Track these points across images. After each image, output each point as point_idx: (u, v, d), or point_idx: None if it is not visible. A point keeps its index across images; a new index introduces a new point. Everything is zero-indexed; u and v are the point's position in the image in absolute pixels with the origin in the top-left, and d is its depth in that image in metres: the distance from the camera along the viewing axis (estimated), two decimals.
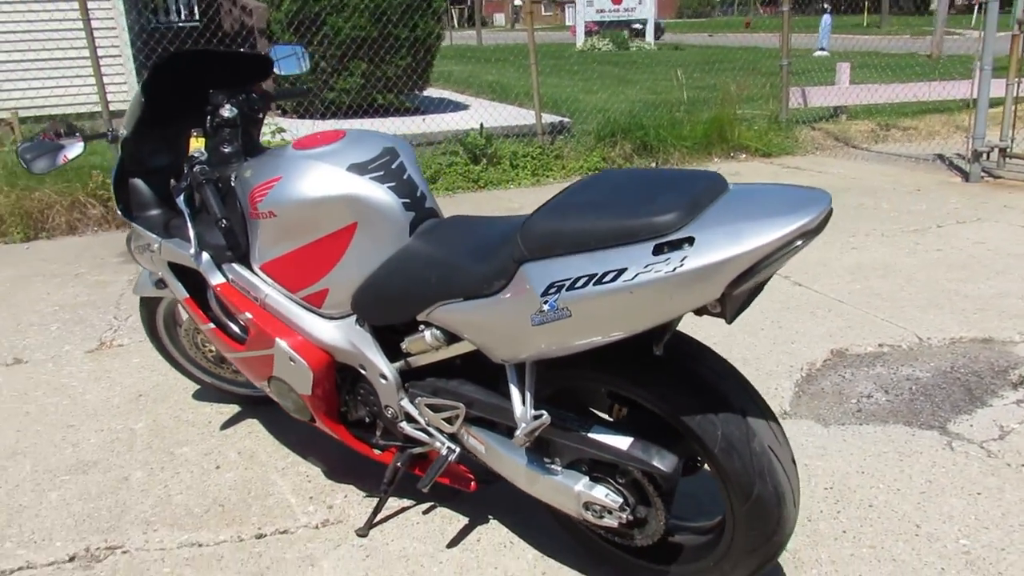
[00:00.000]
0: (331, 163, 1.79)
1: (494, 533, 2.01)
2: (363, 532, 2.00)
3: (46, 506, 2.18)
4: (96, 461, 2.39)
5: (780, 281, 3.70)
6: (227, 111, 2.06)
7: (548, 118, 7.05)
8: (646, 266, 1.30)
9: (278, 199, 1.80)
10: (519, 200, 5.47)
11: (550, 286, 1.41)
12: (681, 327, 1.53)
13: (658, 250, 1.31)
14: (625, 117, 6.77)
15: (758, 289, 1.40)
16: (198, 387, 2.77)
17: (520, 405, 1.60)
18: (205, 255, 2.01)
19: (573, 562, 1.89)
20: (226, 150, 2.04)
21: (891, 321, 3.22)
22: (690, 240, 1.29)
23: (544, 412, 1.58)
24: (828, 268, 3.87)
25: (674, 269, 1.28)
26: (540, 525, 1.96)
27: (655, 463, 1.52)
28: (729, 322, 1.38)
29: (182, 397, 2.77)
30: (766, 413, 1.53)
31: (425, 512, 2.10)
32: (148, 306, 2.50)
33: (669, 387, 1.51)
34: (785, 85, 7.31)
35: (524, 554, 1.94)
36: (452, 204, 5.38)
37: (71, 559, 1.97)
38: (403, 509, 2.12)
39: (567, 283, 1.38)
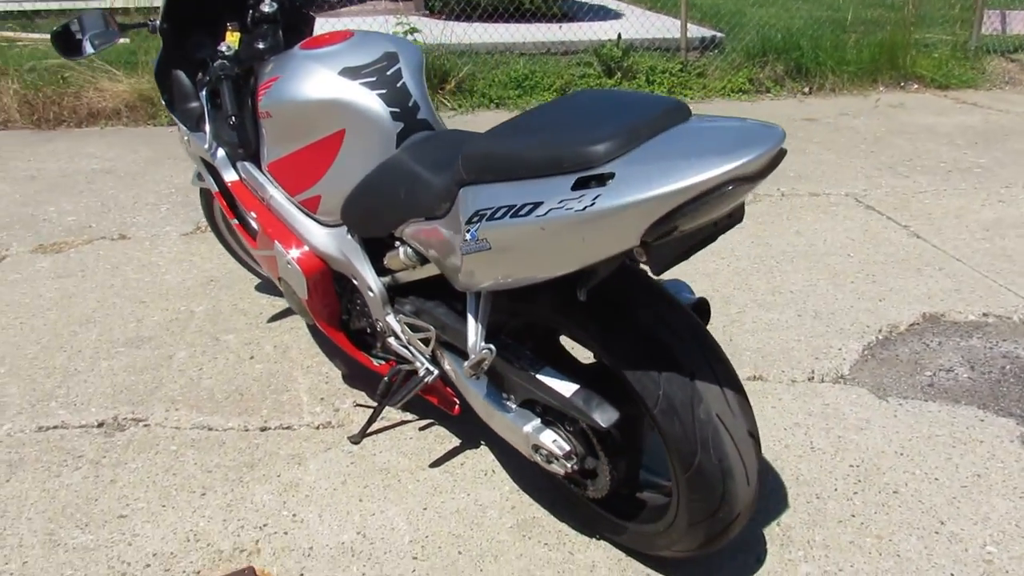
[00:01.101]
0: (325, 65, 1.74)
1: (479, 460, 1.98)
2: (356, 439, 2.03)
3: (95, 373, 2.37)
4: (151, 337, 2.57)
5: (893, 229, 3.31)
6: (267, 6, 2.04)
7: (699, 32, 6.59)
8: (560, 202, 1.17)
9: (273, 99, 1.78)
10: None
11: (474, 214, 1.30)
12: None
13: (578, 185, 1.17)
14: (783, 34, 6.19)
15: (703, 240, 1.23)
16: (259, 280, 2.89)
17: (472, 335, 1.53)
18: (221, 151, 2.04)
19: (545, 502, 1.84)
20: (260, 46, 2.02)
21: (1009, 288, 2.80)
22: (611, 176, 1.14)
23: (491, 346, 1.50)
24: (960, 221, 3.41)
25: (584, 208, 1.14)
26: (525, 460, 1.90)
27: (593, 415, 1.41)
28: (656, 274, 1.22)
29: (245, 287, 2.90)
30: (724, 379, 1.37)
31: (421, 429, 2.10)
32: (205, 197, 2.61)
33: (615, 337, 1.38)
34: (980, 6, 6.38)
35: (501, 485, 1.90)
36: None
37: (99, 425, 2.14)
38: (401, 423, 2.12)
39: (488, 212, 1.28)
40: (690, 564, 1.63)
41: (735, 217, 1.25)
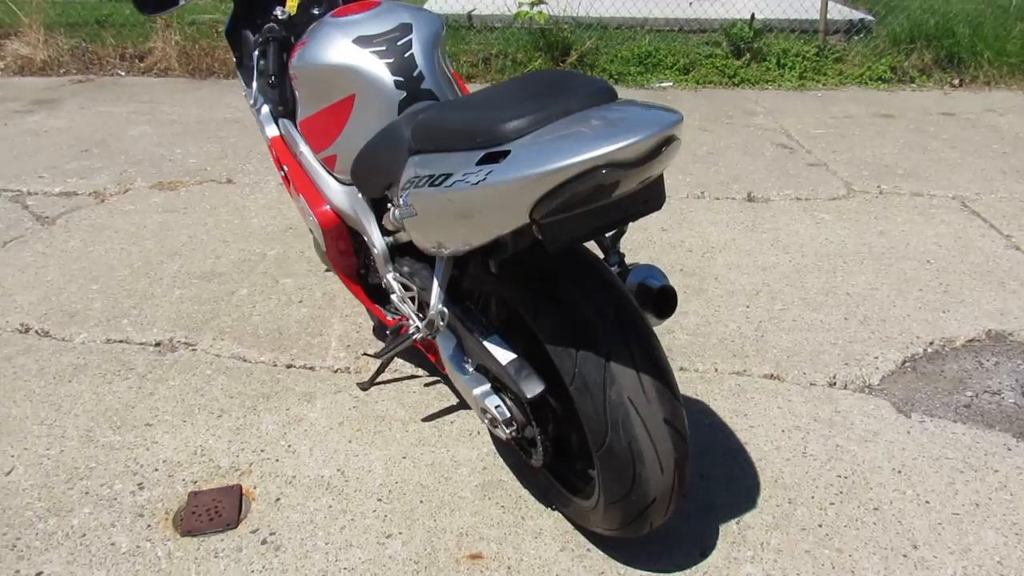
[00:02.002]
0: (343, 33, 1.85)
1: (468, 420, 2.07)
2: (365, 386, 2.18)
3: (167, 300, 2.65)
4: (222, 273, 2.83)
5: (991, 238, 3.06)
6: None
7: (848, 13, 6.20)
8: (464, 175, 1.23)
9: (298, 62, 1.92)
10: (767, 104, 5.00)
11: (407, 180, 1.38)
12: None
13: (483, 160, 1.22)
14: (938, 19, 5.72)
15: (612, 222, 1.24)
16: None
17: (432, 296, 1.62)
18: (265, 108, 2.21)
19: (515, 467, 1.90)
20: (315, 11, 2.17)
21: None
22: (506, 154, 1.18)
23: (443, 309, 1.58)
24: None
25: (477, 183, 1.19)
26: None
27: (520, 385, 1.46)
28: (551, 251, 1.24)
29: None
30: (643, 364, 1.38)
31: (426, 385, 2.22)
32: None
33: (541, 310, 1.42)
34: None
35: (480, 447, 1.98)
36: (688, 99, 5.09)
37: (156, 344, 2.42)
38: (410, 377, 2.25)
39: (416, 180, 1.35)
40: (632, 547, 1.66)
41: (651, 203, 1.26)
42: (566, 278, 1.43)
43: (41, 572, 1.64)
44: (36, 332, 2.47)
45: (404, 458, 1.95)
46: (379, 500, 1.82)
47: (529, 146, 1.16)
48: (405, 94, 1.82)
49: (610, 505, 1.45)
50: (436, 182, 1.29)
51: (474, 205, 1.23)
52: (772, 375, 2.24)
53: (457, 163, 1.26)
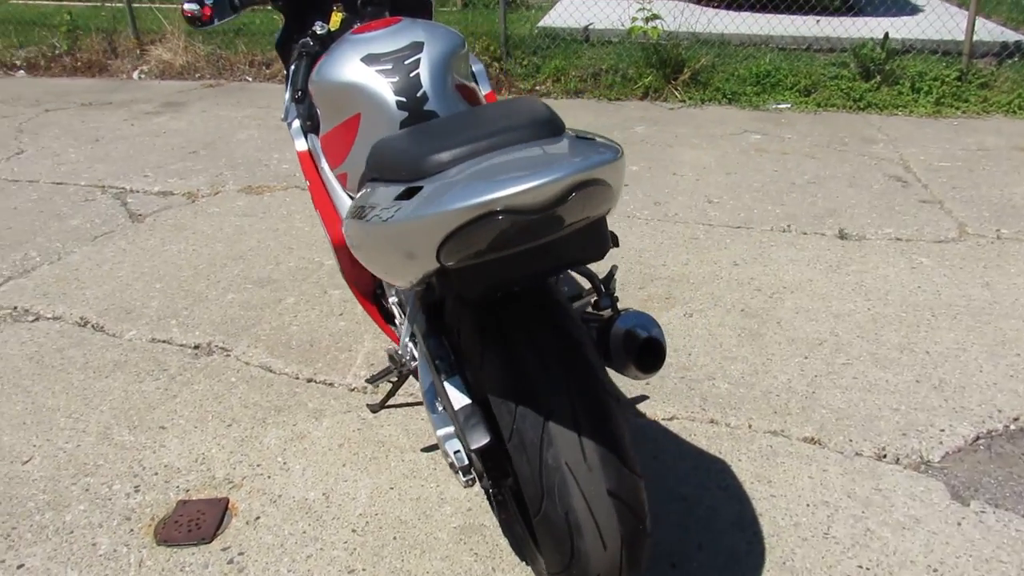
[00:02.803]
0: (354, 50, 1.81)
1: None
2: (375, 408, 2.13)
3: (218, 303, 2.73)
4: (276, 280, 2.88)
5: None
6: None
7: (1002, 34, 5.64)
8: (380, 210, 1.14)
9: (315, 77, 1.90)
10: (891, 131, 4.61)
11: (351, 208, 1.31)
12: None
13: (400, 195, 1.13)
14: None
15: (531, 272, 1.12)
16: None
17: (403, 328, 1.55)
18: (296, 122, 2.21)
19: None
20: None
21: None
22: (419, 190, 1.09)
23: (406, 342, 1.50)
24: None
25: (386, 219, 1.10)
26: None
27: (465, 433, 1.36)
28: (470, 300, 1.13)
29: None
30: (587, 428, 1.24)
31: None
32: None
33: (487, 352, 1.31)
34: None
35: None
36: (804, 123, 4.78)
37: (195, 347, 2.48)
38: (421, 403, 2.18)
39: (354, 209, 1.28)
40: None
41: (588, 251, 1.13)
42: (516, 322, 1.31)
43: (23, 565, 1.69)
44: (92, 326, 2.60)
45: (391, 488, 1.88)
46: (354, 531, 1.76)
47: (439, 185, 1.07)
48: (407, 115, 1.76)
49: (553, 575, 1.32)
50: (363, 214, 1.22)
51: (383, 243, 1.15)
52: (812, 439, 2.01)
53: (381, 196, 1.18)
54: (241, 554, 1.70)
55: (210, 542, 1.74)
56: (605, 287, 1.59)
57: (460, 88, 1.85)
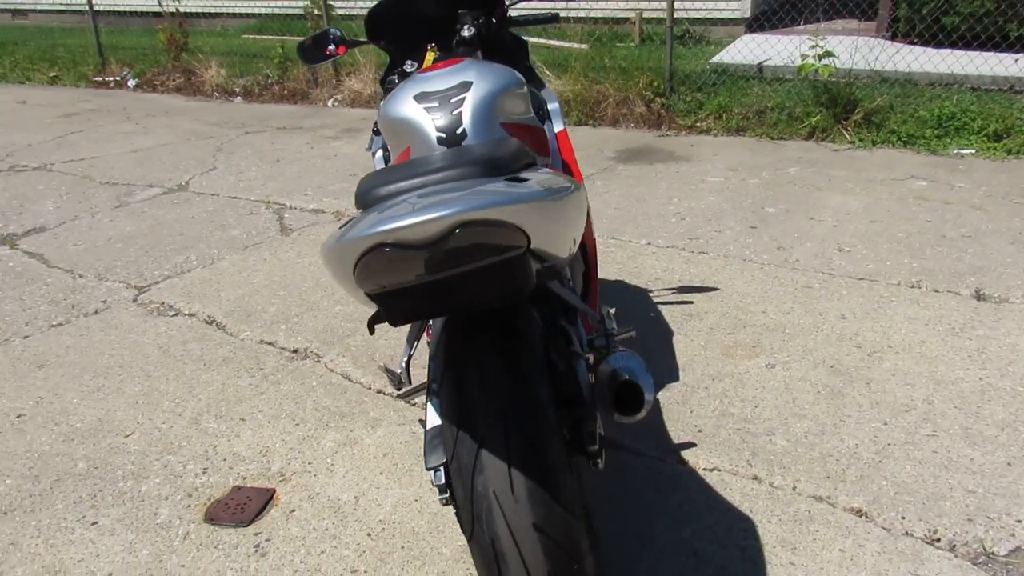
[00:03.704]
0: (410, 88, 1.95)
1: None
2: (401, 394, 2.18)
3: (327, 313, 2.98)
4: None
5: None
6: (466, 31, 2.32)
7: None
8: (332, 235, 1.25)
9: (380, 112, 2.06)
10: None
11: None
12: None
13: (344, 224, 1.23)
14: None
15: (444, 306, 1.17)
16: None
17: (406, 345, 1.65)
18: (379, 152, 2.39)
19: None
20: None
21: None
22: (358, 221, 1.18)
23: (403, 359, 1.60)
24: None
25: (326, 244, 1.20)
26: None
27: (426, 453, 1.43)
28: (393, 325, 1.20)
29: None
30: (517, 460, 1.26)
31: None
32: None
33: (444, 376, 1.37)
34: None
35: None
36: (983, 171, 4.37)
37: (293, 351, 2.73)
38: None
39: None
40: None
41: (502, 292, 1.16)
42: (473, 351, 1.36)
43: (97, 523, 1.96)
44: (216, 324, 2.93)
45: (415, 501, 1.98)
46: (369, 535, 1.87)
47: (355, 217, 1.16)
48: (446, 149, 1.86)
49: None
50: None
51: (328, 264, 1.24)
52: (859, 511, 1.87)
53: (350, 223, 1.29)
54: (268, 540, 1.87)
55: (247, 526, 1.92)
56: (603, 323, 1.60)
57: (509, 126, 1.92)
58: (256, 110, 6.85)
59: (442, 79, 1.91)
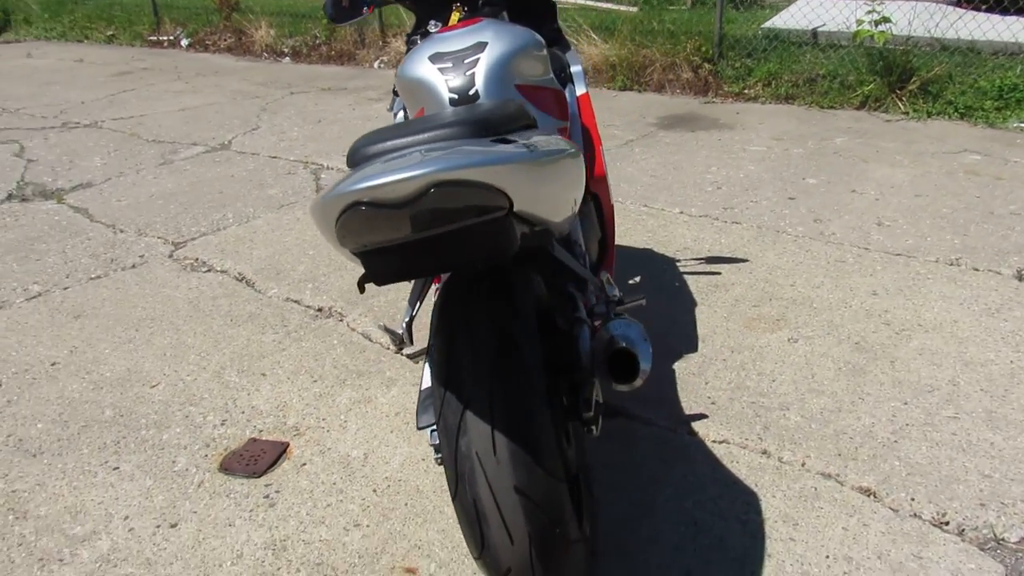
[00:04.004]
0: (426, 48, 1.94)
1: None
2: (404, 351, 2.18)
3: (355, 272, 3.02)
4: None
5: None
6: None
7: None
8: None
9: (396, 73, 2.05)
10: None
11: None
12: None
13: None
14: None
15: (425, 266, 1.17)
16: None
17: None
18: (400, 113, 2.38)
19: None
20: None
21: None
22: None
23: (405, 320, 1.62)
24: None
25: (315, 202, 1.21)
26: None
27: (418, 413, 1.45)
28: (377, 284, 1.20)
29: None
30: (501, 422, 1.26)
31: None
32: None
33: (436, 339, 1.37)
34: None
35: None
36: None
37: (318, 309, 2.78)
38: None
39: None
40: None
41: (484, 254, 1.16)
42: (463, 312, 1.36)
43: (118, 468, 2.04)
44: (246, 281, 2.99)
45: (422, 460, 2.00)
46: (374, 491, 1.91)
47: (346, 175, 1.16)
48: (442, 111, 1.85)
49: (475, 560, 1.37)
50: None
51: (315, 222, 1.25)
52: (867, 490, 1.83)
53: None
54: (277, 492, 1.92)
55: (259, 477, 1.98)
56: (608, 290, 1.59)
57: (524, 88, 1.90)
58: (303, 71, 6.90)
59: (458, 39, 1.90)
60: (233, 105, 5.68)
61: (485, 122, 1.22)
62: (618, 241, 3.20)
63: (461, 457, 1.27)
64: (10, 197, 3.96)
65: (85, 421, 2.22)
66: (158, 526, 1.83)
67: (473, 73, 1.84)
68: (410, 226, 1.07)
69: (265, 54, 7.57)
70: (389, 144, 1.20)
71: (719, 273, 2.89)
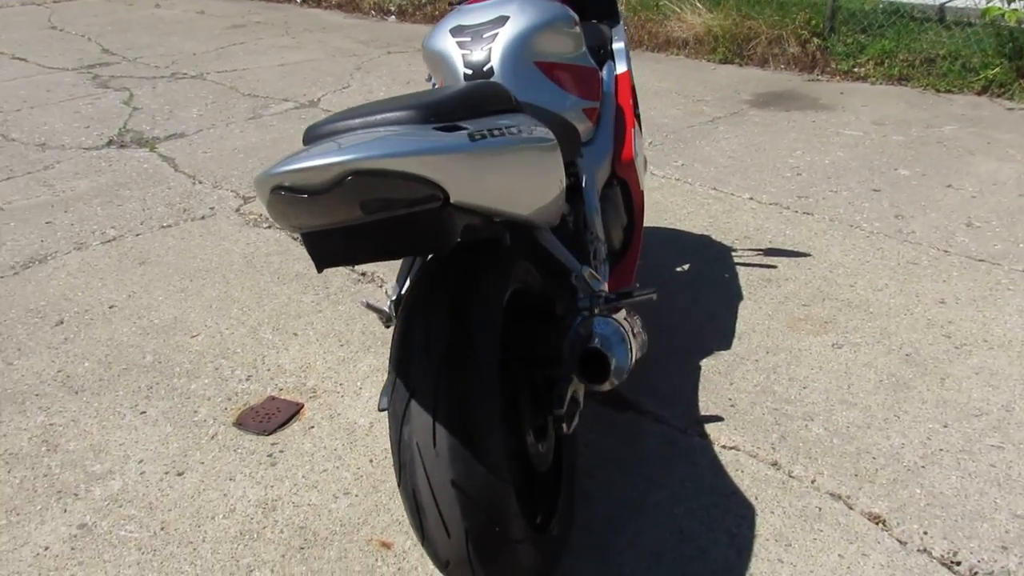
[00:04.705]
0: (451, 21, 1.90)
1: None
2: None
3: None
4: None
5: None
6: None
7: None
8: None
9: (423, 44, 2.02)
10: None
11: None
12: None
13: None
14: None
15: (364, 253, 1.15)
16: None
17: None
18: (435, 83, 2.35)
19: None
20: None
21: None
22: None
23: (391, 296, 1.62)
24: None
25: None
26: None
27: (380, 395, 1.44)
28: (318, 268, 1.19)
29: None
30: (443, 416, 1.23)
31: None
32: None
33: (397, 323, 1.35)
34: None
35: None
36: None
37: (361, 274, 2.82)
38: None
39: None
40: None
41: (422, 244, 1.12)
42: (425, 299, 1.34)
43: (145, 412, 2.15)
44: (299, 241, 3.06)
45: None
46: (370, 462, 1.94)
47: (322, 143, 1.12)
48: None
49: (420, 544, 1.36)
50: None
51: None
52: (877, 517, 1.71)
53: None
54: (281, 452, 1.98)
55: (268, 435, 2.04)
56: (590, 285, 1.53)
57: (544, 65, 1.84)
58: (406, 30, 6.96)
59: (482, 12, 1.85)
60: (331, 62, 5.80)
61: (438, 107, 1.17)
62: (675, 225, 3.09)
63: (404, 445, 1.26)
64: (110, 143, 4.20)
65: (126, 364, 2.34)
66: (167, 472, 1.92)
67: (488, 48, 1.79)
68: (332, 214, 1.05)
69: (372, 12, 7.67)
70: (340, 125, 1.18)
71: (775, 267, 2.73)
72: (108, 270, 2.89)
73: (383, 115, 1.16)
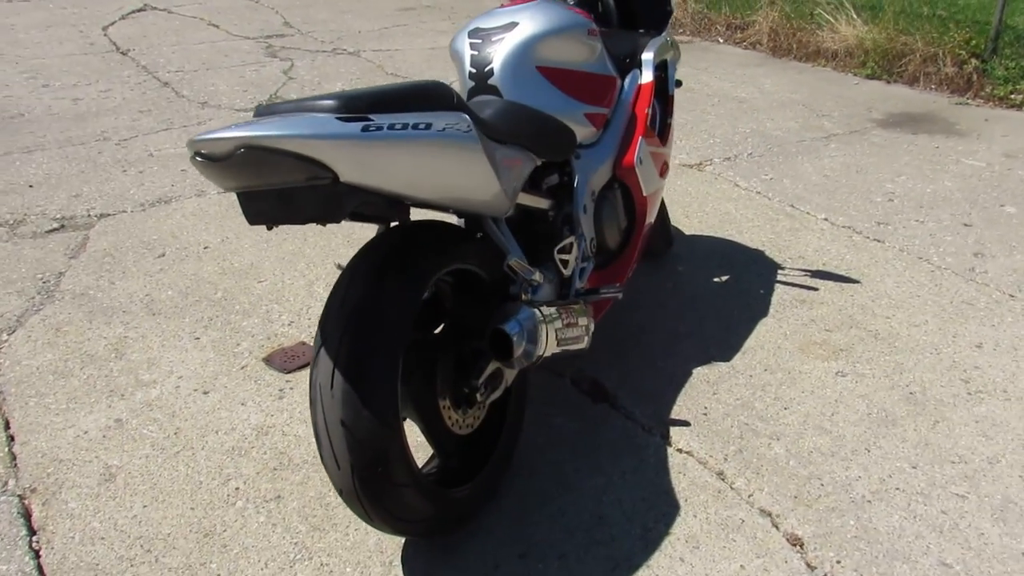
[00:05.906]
0: (473, 23, 2.07)
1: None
2: None
3: None
4: None
5: None
6: None
7: None
8: None
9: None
10: None
11: None
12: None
13: None
14: None
15: (279, 215, 1.35)
16: None
17: None
18: None
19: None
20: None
21: None
22: None
23: None
24: None
25: None
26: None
27: None
28: (249, 223, 1.41)
29: None
30: (342, 362, 1.43)
31: None
32: None
33: (343, 271, 1.54)
34: None
35: None
36: None
37: None
38: None
39: None
40: None
41: (313, 212, 1.31)
42: (358, 264, 1.53)
43: (199, 338, 2.51)
44: None
45: None
46: None
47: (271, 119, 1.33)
48: (473, 84, 1.98)
49: None
50: None
51: None
52: (797, 539, 1.73)
53: None
54: (291, 388, 2.26)
55: (286, 373, 2.33)
56: (529, 268, 1.68)
57: (548, 70, 1.98)
58: None
59: (499, 17, 2.01)
60: None
61: (357, 100, 1.36)
62: (733, 237, 3.09)
63: (311, 385, 1.48)
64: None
65: (199, 297, 2.73)
66: (195, 389, 2.26)
67: (492, 50, 1.95)
68: (236, 178, 1.27)
69: None
70: (274, 107, 1.39)
71: (816, 289, 2.70)
72: (214, 216, 3.32)
73: (311, 103, 1.36)
